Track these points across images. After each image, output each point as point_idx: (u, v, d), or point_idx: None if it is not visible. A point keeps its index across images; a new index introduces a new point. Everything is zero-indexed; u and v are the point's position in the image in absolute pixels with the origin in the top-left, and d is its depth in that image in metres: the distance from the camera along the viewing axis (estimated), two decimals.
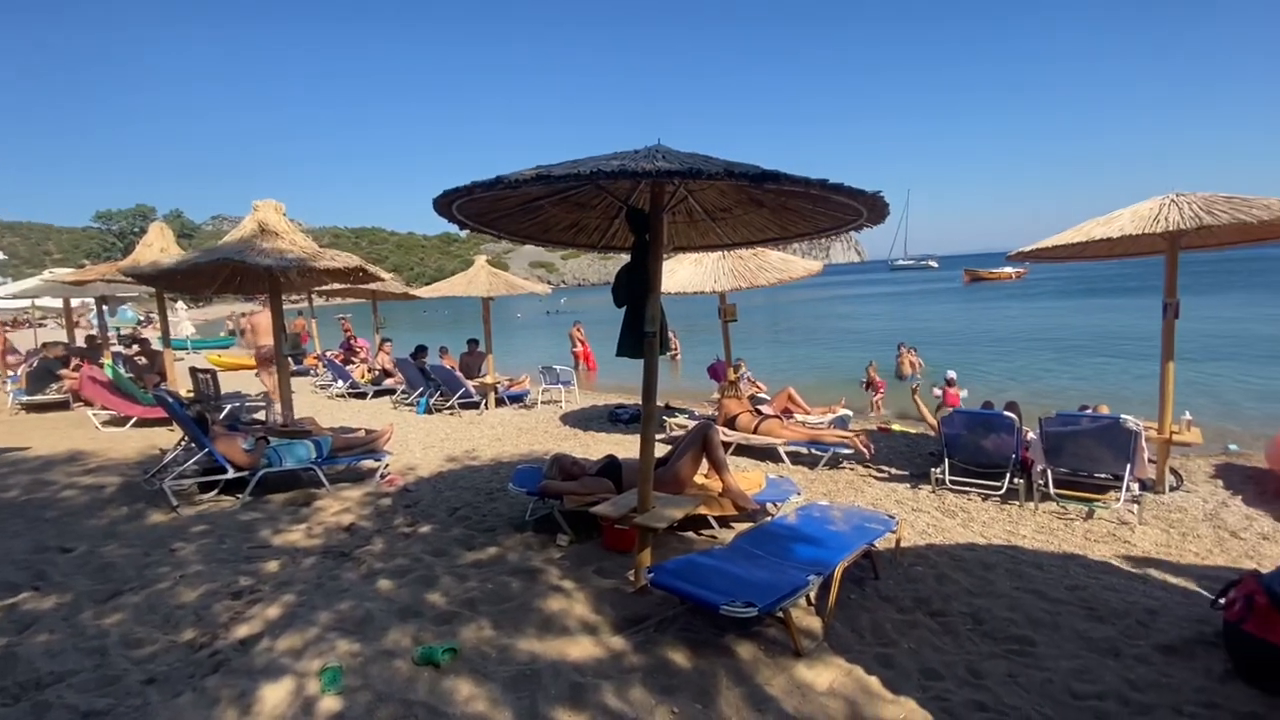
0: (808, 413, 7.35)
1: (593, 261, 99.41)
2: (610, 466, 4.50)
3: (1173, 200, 4.70)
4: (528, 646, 2.87)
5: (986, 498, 5.08)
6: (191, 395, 8.79)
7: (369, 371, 12.12)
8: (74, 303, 14.48)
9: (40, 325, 26.73)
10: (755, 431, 6.59)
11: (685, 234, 4.73)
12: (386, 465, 5.91)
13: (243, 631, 3.01)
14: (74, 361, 10.05)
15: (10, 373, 11.34)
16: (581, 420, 8.81)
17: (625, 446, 6.36)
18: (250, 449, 5.24)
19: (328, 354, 13.75)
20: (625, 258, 3.65)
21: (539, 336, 26.30)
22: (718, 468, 4.35)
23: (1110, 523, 4.50)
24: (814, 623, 3.08)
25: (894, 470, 6.00)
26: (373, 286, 12.09)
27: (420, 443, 7.47)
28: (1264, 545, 4.10)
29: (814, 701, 2.50)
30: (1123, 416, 4.83)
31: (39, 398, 9.56)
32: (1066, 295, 33.19)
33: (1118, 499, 4.71)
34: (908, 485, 5.52)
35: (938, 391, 8.67)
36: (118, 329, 22.88)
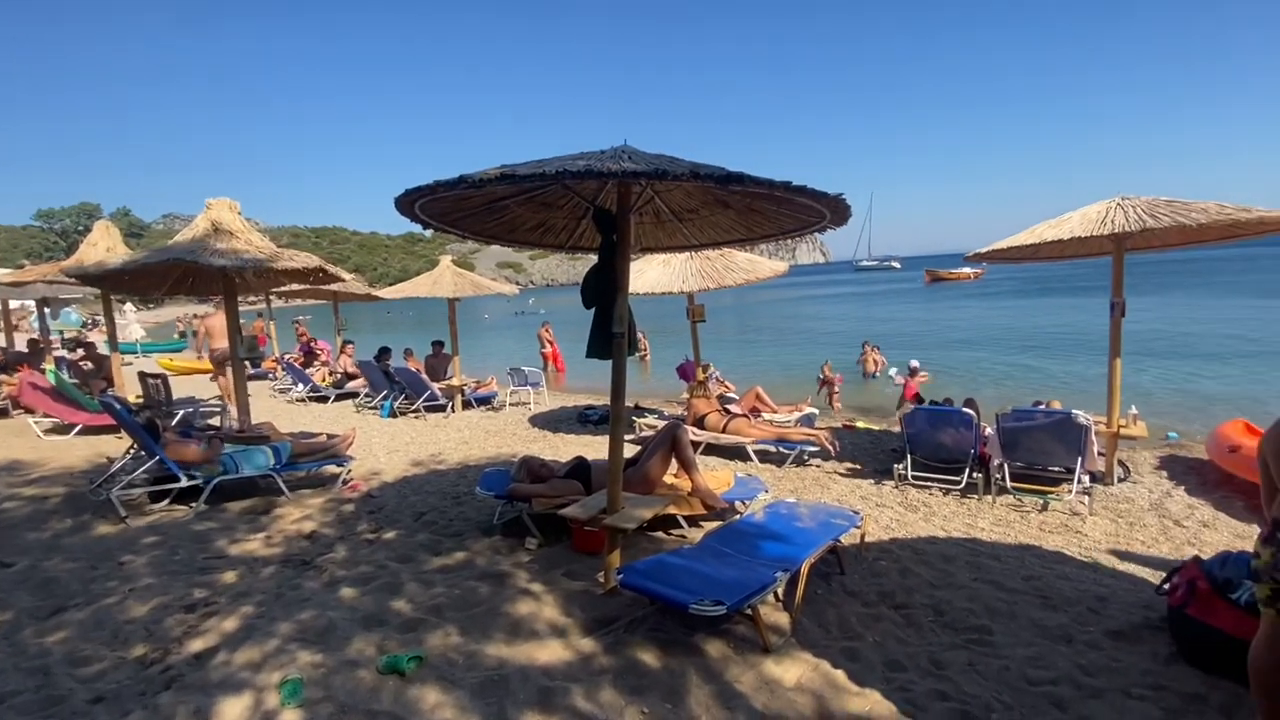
0: (775, 411, 7.44)
1: (561, 262, 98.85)
2: (579, 468, 4.48)
3: (1119, 204, 4.91)
4: (496, 652, 2.83)
5: (947, 492, 5.22)
6: (141, 401, 8.45)
7: (330, 374, 11.83)
8: (13, 305, 13.80)
9: None
10: (724, 431, 6.64)
11: (653, 235, 4.75)
12: (349, 471, 5.77)
13: (197, 645, 2.91)
14: (14, 367, 9.57)
15: None
16: (550, 422, 8.75)
17: (595, 448, 6.35)
18: (205, 447, 5.07)
19: (287, 357, 13.38)
20: (594, 258, 3.64)
21: (507, 338, 26.05)
22: (687, 467, 4.37)
23: (1063, 514, 4.67)
24: (782, 619, 3.12)
25: (859, 466, 6.12)
26: (334, 287, 11.83)
27: (384, 447, 7.32)
28: (1205, 533, 4.30)
29: (782, 697, 2.53)
30: (1074, 412, 5.02)
31: None
32: (1022, 295, 34.36)
33: (1070, 491, 4.90)
34: (872, 481, 5.64)
35: (899, 380, 8.93)
36: (61, 332, 21.83)
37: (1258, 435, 5.24)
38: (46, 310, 11.70)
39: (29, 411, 8.19)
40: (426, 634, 2.98)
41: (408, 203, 3.19)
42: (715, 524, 4.21)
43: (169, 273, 6.63)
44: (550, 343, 16.03)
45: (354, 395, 10.94)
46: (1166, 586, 2.98)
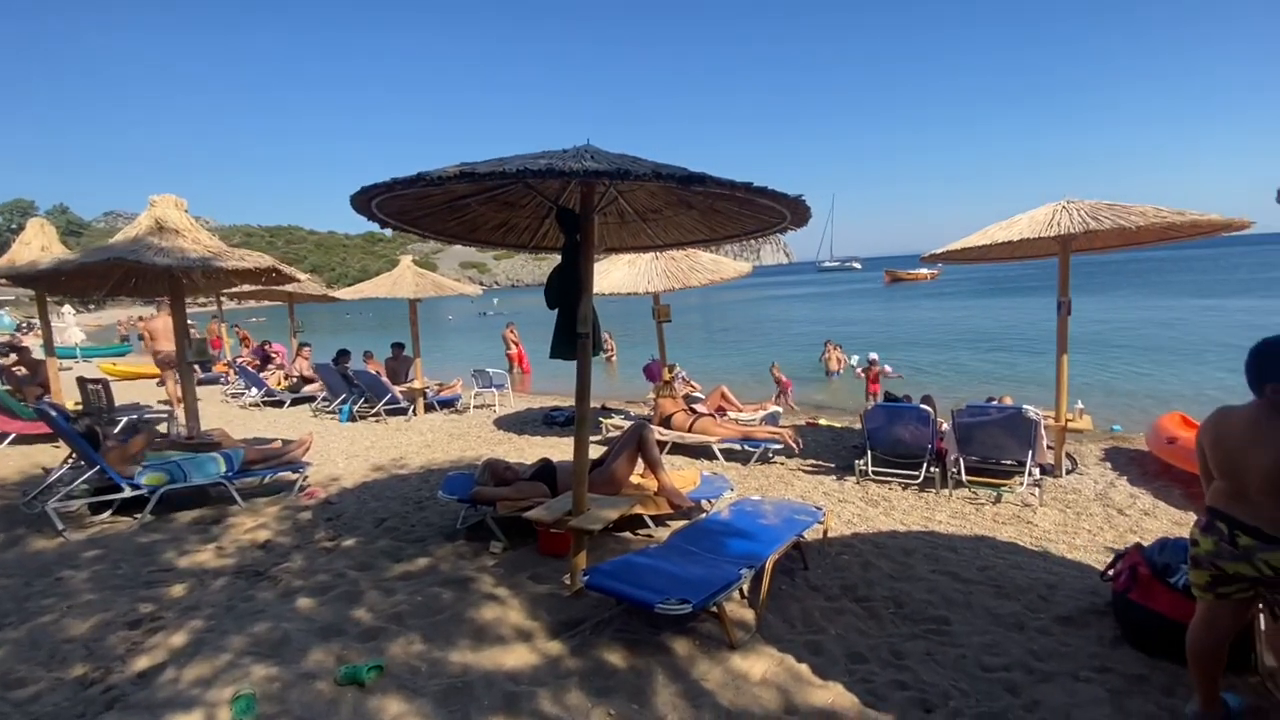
0: (740, 410, 7.52)
1: (527, 262, 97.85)
2: (545, 470, 4.44)
3: (1064, 206, 5.12)
4: (460, 658, 2.78)
5: (906, 486, 5.35)
6: (80, 408, 8.03)
7: (286, 378, 11.46)
8: None
9: None
10: (690, 430, 6.68)
11: (617, 235, 4.74)
12: (306, 477, 5.60)
13: (142, 663, 2.77)
14: None
15: None
16: (516, 424, 8.66)
17: (561, 449, 6.31)
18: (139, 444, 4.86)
19: (239, 360, 12.91)
20: (559, 258, 3.61)
21: (472, 339, 25.68)
22: (653, 467, 4.38)
23: (1015, 505, 4.84)
24: (748, 615, 3.15)
25: (821, 463, 6.23)
26: (289, 288, 11.47)
27: (343, 452, 7.13)
28: (1146, 520, 4.51)
29: (748, 693, 2.55)
30: (1024, 407, 5.21)
31: None
32: (977, 295, 35.50)
33: (1021, 483, 5.08)
34: (834, 477, 5.75)
35: (860, 372, 9.12)
36: None
37: (1193, 427, 5.54)
38: None
39: None
40: (387, 643, 2.91)
41: (364, 200, 3.11)
42: (682, 523, 4.23)
43: (109, 273, 6.33)
44: (515, 344, 15.86)
45: (311, 399, 10.63)
46: (1111, 573, 3.12)
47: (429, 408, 9.64)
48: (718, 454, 6.44)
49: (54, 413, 5.16)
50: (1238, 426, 2.13)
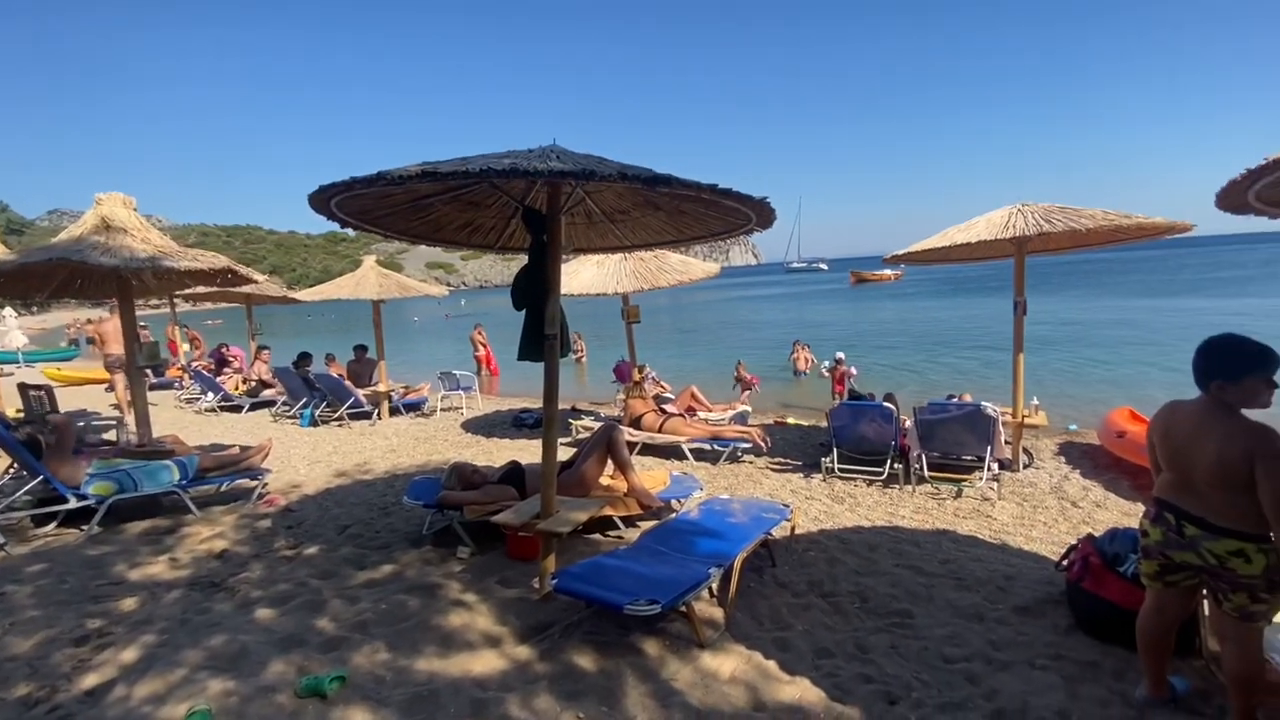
0: (710, 410, 7.57)
1: (495, 262, 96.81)
2: (513, 473, 4.40)
3: (1019, 210, 5.29)
4: (426, 666, 2.73)
5: (871, 483, 5.46)
6: (21, 415, 7.66)
7: (244, 382, 11.10)
8: None
9: None
10: (660, 430, 6.69)
11: (585, 235, 4.72)
12: (265, 484, 5.44)
13: (90, 681, 2.66)
14: None
15: None
16: (484, 426, 8.55)
17: (530, 452, 6.25)
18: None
19: (193, 363, 12.47)
20: (525, 259, 3.58)
21: (438, 341, 25.28)
22: (622, 468, 4.37)
23: (975, 500, 4.97)
24: (717, 613, 3.17)
25: (789, 461, 6.30)
26: (247, 290, 11.10)
27: (305, 458, 6.94)
28: (1098, 512, 4.69)
29: (717, 691, 2.56)
30: (983, 404, 5.36)
31: None
32: (938, 295, 36.42)
33: (981, 478, 5.22)
34: (801, 475, 5.82)
35: (825, 372, 9.25)
36: None
37: (1142, 422, 5.77)
38: None
39: None
40: (350, 652, 2.84)
41: (323, 200, 3.04)
42: (652, 523, 4.23)
43: (53, 274, 6.04)
44: (483, 345, 15.65)
45: (270, 404, 10.32)
46: (1065, 563, 3.23)
47: (394, 411, 9.46)
48: (687, 454, 6.47)
49: None
50: (1185, 421, 2.18)
